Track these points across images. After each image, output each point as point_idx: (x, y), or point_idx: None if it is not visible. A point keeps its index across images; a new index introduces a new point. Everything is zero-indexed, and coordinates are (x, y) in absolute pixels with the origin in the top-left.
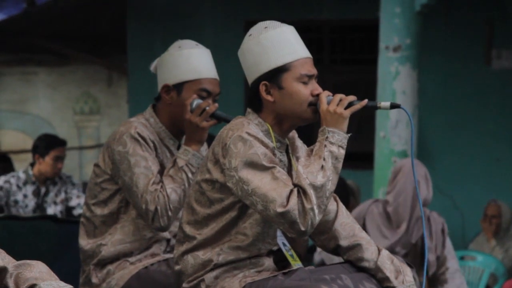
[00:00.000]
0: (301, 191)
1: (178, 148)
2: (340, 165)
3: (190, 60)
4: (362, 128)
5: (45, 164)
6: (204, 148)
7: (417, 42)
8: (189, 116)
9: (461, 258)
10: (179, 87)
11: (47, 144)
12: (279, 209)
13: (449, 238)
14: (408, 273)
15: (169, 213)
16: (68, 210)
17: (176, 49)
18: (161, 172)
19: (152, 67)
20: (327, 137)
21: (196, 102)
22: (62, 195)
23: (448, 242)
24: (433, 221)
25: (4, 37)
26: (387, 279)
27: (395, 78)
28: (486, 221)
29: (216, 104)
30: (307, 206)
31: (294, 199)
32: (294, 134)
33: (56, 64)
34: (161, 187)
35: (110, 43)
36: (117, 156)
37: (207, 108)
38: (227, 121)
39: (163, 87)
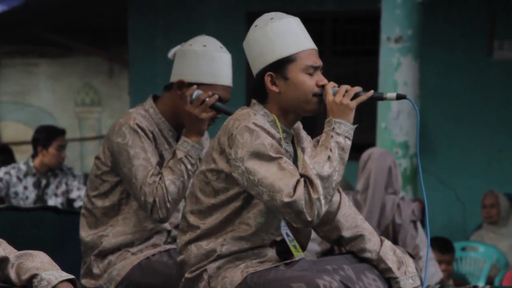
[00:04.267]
0: (308, 181)
1: (177, 140)
2: (346, 156)
3: (212, 63)
4: (363, 119)
5: (49, 155)
6: (205, 138)
7: (418, 33)
8: (188, 107)
9: (463, 249)
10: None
11: (49, 135)
12: (286, 199)
13: (421, 225)
14: (410, 264)
15: (168, 204)
16: (69, 202)
17: (200, 47)
18: (160, 163)
19: (170, 54)
20: (333, 128)
21: (196, 93)
22: (63, 187)
23: (420, 230)
24: (403, 208)
25: (5, 29)
26: (389, 270)
27: (397, 69)
28: (485, 211)
29: (216, 96)
30: (314, 196)
31: (300, 189)
32: (299, 124)
33: (58, 55)
34: (160, 178)
35: (111, 34)
36: (117, 148)
37: (207, 99)
38: (226, 112)
39: (178, 82)
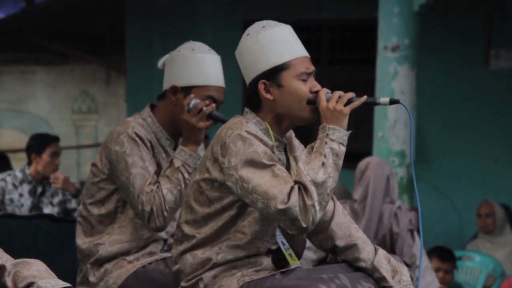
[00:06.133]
0: (302, 188)
1: (175, 148)
2: (340, 162)
3: (202, 65)
4: (360, 128)
5: (42, 162)
6: (200, 148)
7: (415, 42)
8: (186, 116)
9: (459, 259)
10: (187, 90)
11: (42, 142)
12: (280, 206)
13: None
14: (405, 273)
15: (165, 213)
16: (67, 212)
17: (189, 51)
18: (157, 172)
19: (160, 64)
20: (327, 134)
21: (194, 102)
22: (59, 197)
23: (417, 238)
24: (400, 217)
25: (2, 36)
26: (384, 279)
27: (394, 78)
28: (481, 221)
29: (213, 105)
30: (308, 202)
31: (295, 195)
32: (291, 133)
33: (55, 63)
34: (157, 187)
35: (108, 42)
36: (114, 156)
37: (204, 108)
38: (224, 121)
39: (171, 87)
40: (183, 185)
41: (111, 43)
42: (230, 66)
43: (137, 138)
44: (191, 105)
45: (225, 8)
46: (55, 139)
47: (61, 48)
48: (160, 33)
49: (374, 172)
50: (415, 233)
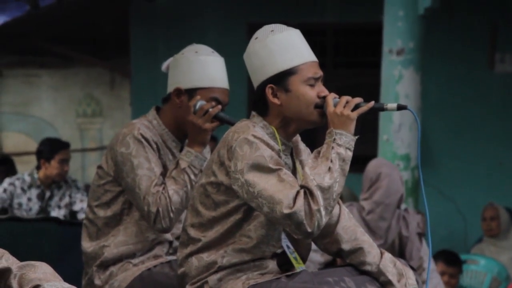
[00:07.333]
0: (308, 193)
1: (181, 150)
2: (347, 167)
3: (206, 67)
4: (365, 131)
5: (51, 168)
6: (207, 150)
7: (420, 45)
8: (192, 118)
9: (464, 262)
10: (191, 92)
11: (52, 148)
12: (286, 211)
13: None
14: (411, 276)
15: (171, 214)
16: (72, 214)
17: (193, 54)
18: (163, 174)
19: (164, 67)
20: (334, 139)
21: (200, 103)
22: (67, 199)
23: (424, 242)
24: (408, 221)
25: (7, 39)
26: (389, 282)
27: (399, 82)
28: (486, 224)
29: (219, 106)
30: (314, 207)
31: (300, 200)
32: (297, 137)
33: (59, 66)
34: (163, 188)
35: (113, 45)
36: (120, 158)
37: (210, 109)
38: (230, 123)
39: (175, 90)
40: (189, 186)
41: (115, 47)
42: (234, 69)
43: (143, 140)
44: (197, 106)
45: (228, 11)
46: (65, 145)
47: (65, 51)
48: (164, 36)
49: (387, 186)
50: (422, 236)
